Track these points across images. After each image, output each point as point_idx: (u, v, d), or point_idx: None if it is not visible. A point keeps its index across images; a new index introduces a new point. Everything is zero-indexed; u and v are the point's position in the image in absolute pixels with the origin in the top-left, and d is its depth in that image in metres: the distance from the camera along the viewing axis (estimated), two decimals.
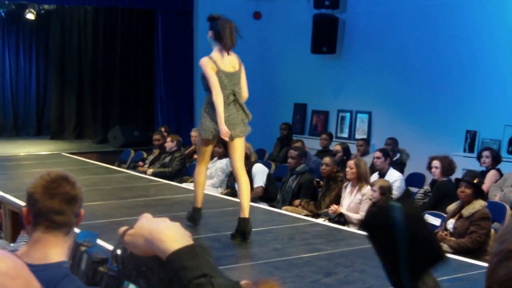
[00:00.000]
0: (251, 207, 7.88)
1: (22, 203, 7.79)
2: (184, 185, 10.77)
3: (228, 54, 6.74)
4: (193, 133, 13.30)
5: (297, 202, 9.35)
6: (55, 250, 2.63)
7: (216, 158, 11.19)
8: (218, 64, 6.64)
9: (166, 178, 11.27)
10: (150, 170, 12.09)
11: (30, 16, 17.24)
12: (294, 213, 8.57)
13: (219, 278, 1.45)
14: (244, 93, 6.85)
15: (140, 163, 13.19)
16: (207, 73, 6.58)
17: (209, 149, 6.97)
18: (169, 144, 12.27)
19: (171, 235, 1.51)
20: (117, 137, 16.16)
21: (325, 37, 13.96)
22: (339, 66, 14.26)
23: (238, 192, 6.97)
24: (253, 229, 6.67)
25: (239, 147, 6.73)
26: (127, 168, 12.98)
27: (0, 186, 9.05)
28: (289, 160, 9.93)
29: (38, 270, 2.44)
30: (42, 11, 17.63)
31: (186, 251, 1.47)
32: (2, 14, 17.63)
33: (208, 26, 6.95)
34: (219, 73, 6.62)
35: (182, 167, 12.04)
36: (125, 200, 8.59)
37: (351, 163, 8.76)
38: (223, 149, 11.13)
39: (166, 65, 15.98)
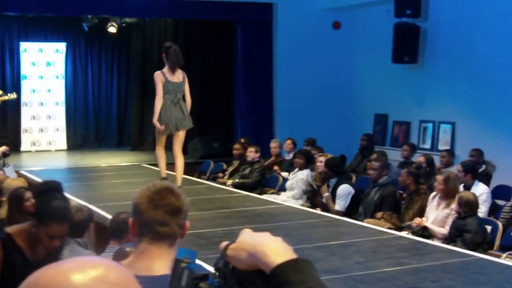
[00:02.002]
0: (334, 220, 7.81)
1: (106, 214, 7.88)
2: (264, 196, 10.71)
3: (175, 69, 9.57)
4: (273, 144, 13.27)
5: (379, 214, 9.16)
6: (160, 262, 2.63)
7: (297, 169, 11.10)
8: (166, 76, 9.53)
9: (245, 189, 11.23)
10: (230, 181, 12.08)
11: (112, 29, 17.51)
12: (376, 225, 8.41)
13: None
14: (188, 97, 9.88)
15: (220, 174, 13.21)
16: (155, 82, 9.50)
17: (164, 136, 9.80)
18: (252, 154, 12.23)
19: (275, 249, 1.48)
20: (197, 149, 16.24)
21: (407, 46, 13.74)
22: (420, 76, 14.01)
23: (175, 166, 9.74)
24: (335, 242, 6.59)
25: (179, 136, 9.78)
26: (207, 179, 13.01)
27: (83, 197, 9.15)
28: (371, 171, 9.76)
29: (142, 281, 2.42)
30: (124, 24, 17.87)
31: (290, 265, 1.44)
32: (85, 28, 17.96)
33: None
34: (166, 82, 9.50)
35: (262, 178, 11.99)
36: (206, 212, 8.58)
37: (440, 178, 8.47)
38: (303, 160, 11.05)
39: (245, 76, 16.00)
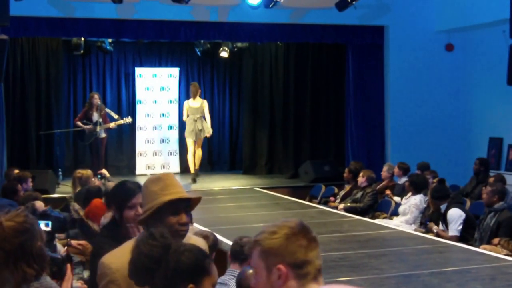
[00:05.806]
0: (449, 245, 7.70)
1: (221, 238, 7.97)
2: (377, 221, 10.62)
3: (194, 98, 15.32)
4: (384, 168, 13.13)
5: (496, 240, 8.91)
6: None
7: (410, 194, 10.93)
8: (189, 103, 15.39)
9: (357, 214, 11.18)
10: (342, 205, 12.03)
11: (224, 54, 17.79)
12: (493, 252, 8.20)
13: None
14: (207, 118, 15.42)
15: (331, 198, 13.18)
16: (184, 107, 15.54)
17: (192, 144, 15.36)
18: (360, 179, 12.17)
19: None
20: (308, 172, 16.25)
21: None
22: None
23: (195, 157, 15.52)
24: (451, 268, 6.49)
25: (198, 142, 15.38)
26: (318, 203, 13.01)
27: (198, 220, 9.25)
28: (484, 196, 9.53)
29: None
30: (235, 49, 18.11)
31: None
32: (198, 53, 18.32)
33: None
34: (190, 108, 15.27)
35: (374, 203, 11.88)
36: (319, 236, 8.50)
37: None
38: (409, 184, 10.90)
39: (357, 100, 15.95)
